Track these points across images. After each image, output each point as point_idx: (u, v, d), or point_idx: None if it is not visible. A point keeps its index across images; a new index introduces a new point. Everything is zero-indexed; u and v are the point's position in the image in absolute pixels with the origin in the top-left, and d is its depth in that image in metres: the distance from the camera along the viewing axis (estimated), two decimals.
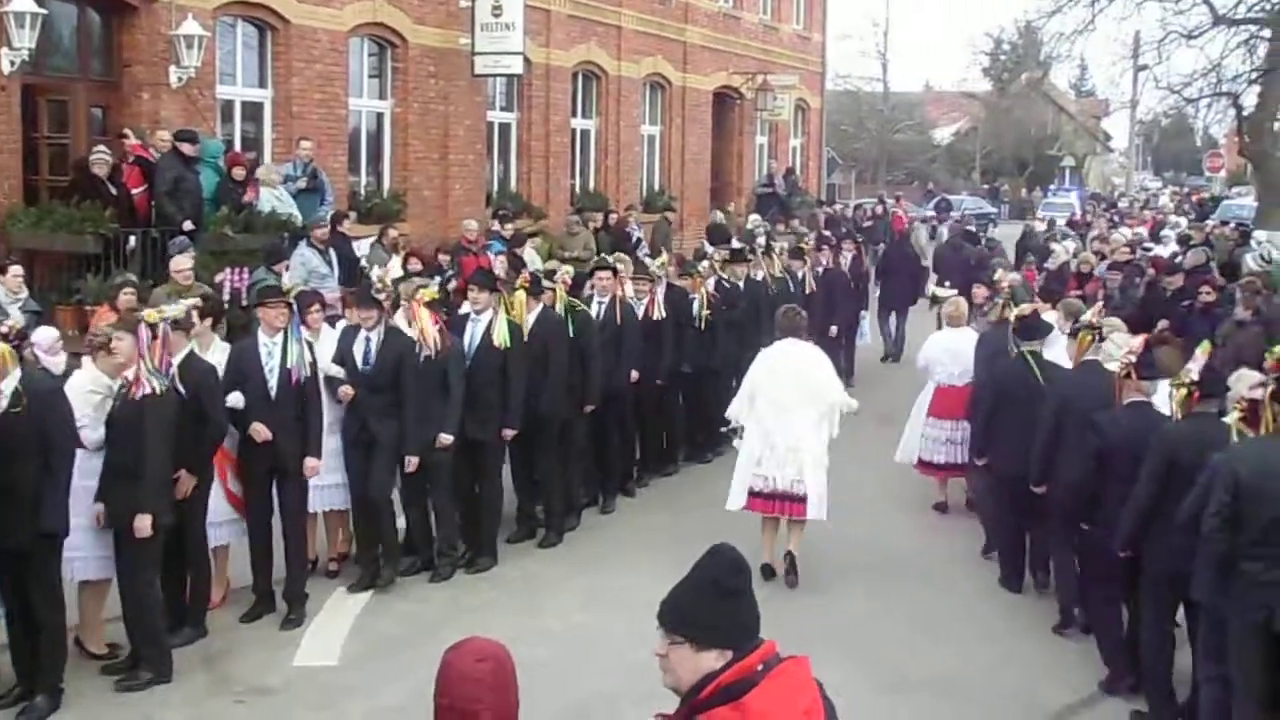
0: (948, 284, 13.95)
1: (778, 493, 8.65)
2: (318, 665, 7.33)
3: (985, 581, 8.85)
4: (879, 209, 27.87)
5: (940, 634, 7.94)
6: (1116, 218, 30.46)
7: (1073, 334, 8.47)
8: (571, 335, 9.68)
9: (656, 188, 24.37)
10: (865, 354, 16.95)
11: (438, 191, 17.92)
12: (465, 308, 9.30)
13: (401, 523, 8.78)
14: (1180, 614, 6.70)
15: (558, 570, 9.03)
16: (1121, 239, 19.59)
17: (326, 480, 8.37)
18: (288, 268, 11.97)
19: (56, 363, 7.06)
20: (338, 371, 8.37)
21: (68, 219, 12.16)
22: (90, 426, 6.84)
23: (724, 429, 10.03)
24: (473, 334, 8.99)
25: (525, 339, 9.20)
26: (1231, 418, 6.15)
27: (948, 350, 10.52)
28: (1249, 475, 5.70)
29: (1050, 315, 9.77)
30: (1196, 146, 65.66)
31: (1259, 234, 19.87)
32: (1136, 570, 6.71)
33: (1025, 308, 9.22)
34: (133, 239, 12.44)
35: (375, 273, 10.04)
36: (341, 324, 9.07)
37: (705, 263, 12.84)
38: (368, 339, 8.38)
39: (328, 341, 8.61)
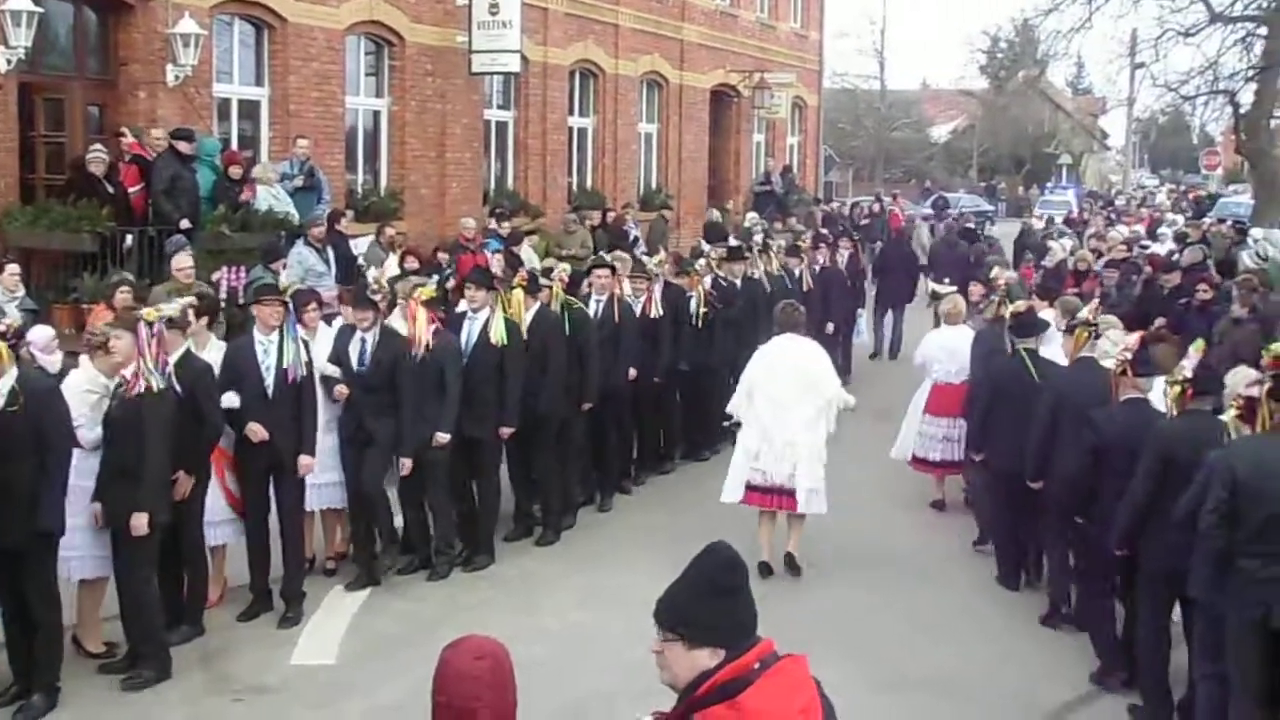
0: (947, 281, 13.96)
1: (774, 487, 8.68)
2: (315, 664, 7.33)
3: (983, 579, 8.86)
4: (876, 207, 27.86)
5: (938, 632, 7.95)
6: (1113, 215, 30.46)
7: (1068, 330, 8.49)
8: (569, 333, 9.67)
9: (654, 186, 24.35)
10: (861, 351, 17.01)
11: (435, 190, 17.90)
12: (462, 306, 9.30)
13: (399, 521, 8.78)
14: (1176, 611, 6.71)
15: (555, 568, 9.03)
16: (1119, 237, 19.62)
17: (323, 479, 8.37)
18: (285, 266, 11.97)
19: (52, 361, 7.05)
20: (333, 371, 8.37)
21: (64, 217, 12.14)
22: (87, 426, 6.84)
23: (726, 424, 10.07)
24: (469, 332, 8.99)
25: (523, 337, 9.21)
26: (1228, 415, 6.15)
27: (945, 348, 10.53)
28: (1246, 472, 5.71)
29: (1048, 313, 9.78)
30: (1193, 144, 65.75)
31: (1255, 231, 19.84)
32: (1133, 568, 6.72)
33: (1020, 305, 9.24)
34: (129, 238, 12.41)
35: (371, 274, 10.03)
36: (338, 322, 9.07)
37: (702, 261, 12.84)
38: (363, 340, 8.37)
39: (324, 340, 8.60)
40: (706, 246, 15.43)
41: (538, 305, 9.53)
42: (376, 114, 17.45)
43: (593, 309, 10.32)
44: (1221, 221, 23.93)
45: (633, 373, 10.63)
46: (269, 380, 7.70)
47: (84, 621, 7.21)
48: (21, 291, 10.23)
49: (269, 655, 7.38)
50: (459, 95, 18.09)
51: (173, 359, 7.07)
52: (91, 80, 13.89)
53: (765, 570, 8.59)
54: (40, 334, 7.22)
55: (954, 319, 10.76)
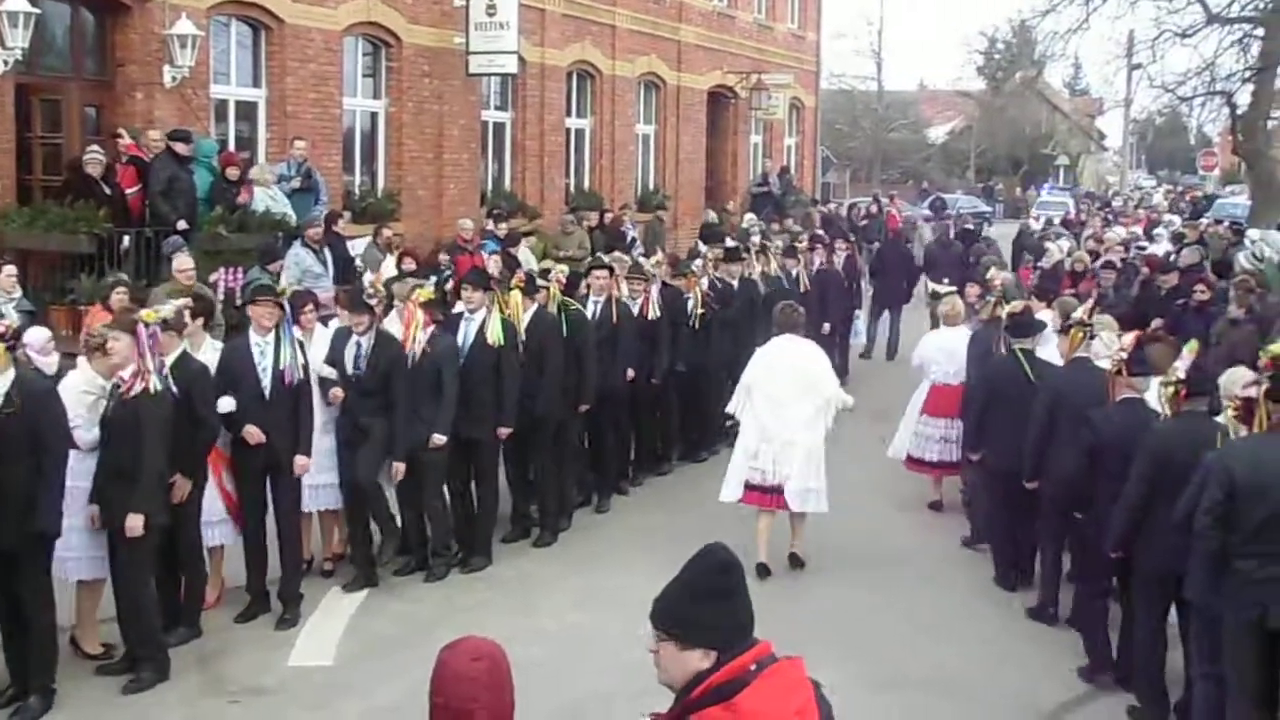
0: (945, 281, 13.97)
1: (773, 486, 8.72)
2: (313, 665, 7.32)
3: (982, 579, 8.86)
4: (874, 208, 27.85)
5: (937, 632, 7.95)
6: (1111, 216, 30.49)
7: (1064, 331, 8.51)
8: (566, 335, 9.67)
9: (651, 187, 24.35)
10: (854, 351, 16.98)
11: (432, 191, 17.89)
12: (459, 307, 9.30)
13: (399, 521, 8.77)
14: (1173, 613, 6.71)
15: (552, 570, 9.03)
16: (1116, 237, 19.64)
17: (321, 480, 8.36)
18: (283, 268, 11.96)
19: (49, 363, 7.04)
20: (330, 373, 8.36)
21: (61, 219, 12.14)
22: (84, 427, 6.83)
23: (727, 424, 10.06)
24: (466, 333, 8.98)
25: (520, 338, 9.21)
26: (1225, 416, 6.16)
27: (943, 349, 10.54)
28: (1244, 473, 5.70)
29: (1045, 314, 9.79)
30: (1190, 145, 65.83)
31: (1252, 232, 19.85)
32: (1129, 569, 6.72)
33: (1017, 305, 9.25)
34: (127, 239, 12.39)
35: (367, 277, 10.03)
36: (334, 323, 9.06)
37: (699, 262, 12.84)
38: (359, 343, 8.36)
39: (321, 341, 8.59)
40: (704, 248, 15.45)
41: (535, 306, 9.53)
42: (374, 115, 17.44)
43: (590, 310, 10.32)
44: (1219, 222, 23.96)
45: (630, 374, 10.63)
46: (266, 381, 7.69)
47: (82, 623, 7.20)
48: (18, 293, 10.22)
49: (266, 657, 7.38)
50: (456, 96, 18.09)
51: (169, 360, 7.07)
52: (88, 81, 13.88)
53: (763, 571, 8.60)
54: (37, 335, 7.21)
55: (953, 320, 10.77)
